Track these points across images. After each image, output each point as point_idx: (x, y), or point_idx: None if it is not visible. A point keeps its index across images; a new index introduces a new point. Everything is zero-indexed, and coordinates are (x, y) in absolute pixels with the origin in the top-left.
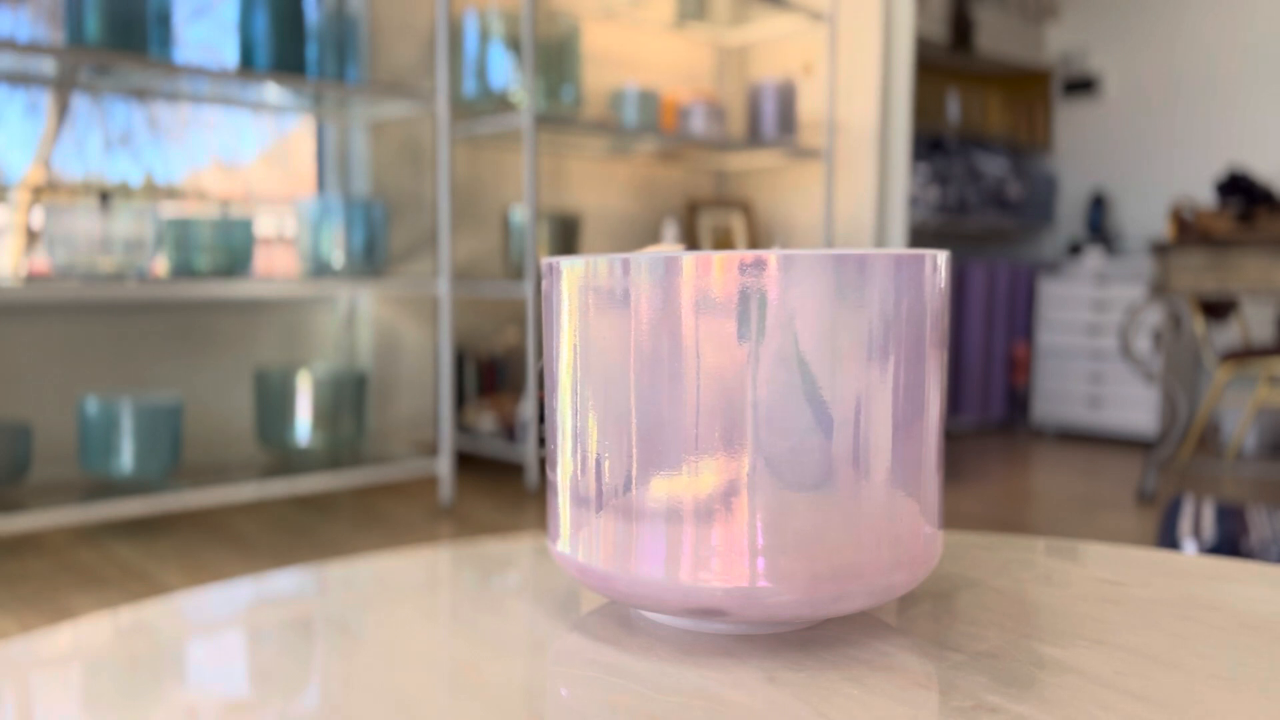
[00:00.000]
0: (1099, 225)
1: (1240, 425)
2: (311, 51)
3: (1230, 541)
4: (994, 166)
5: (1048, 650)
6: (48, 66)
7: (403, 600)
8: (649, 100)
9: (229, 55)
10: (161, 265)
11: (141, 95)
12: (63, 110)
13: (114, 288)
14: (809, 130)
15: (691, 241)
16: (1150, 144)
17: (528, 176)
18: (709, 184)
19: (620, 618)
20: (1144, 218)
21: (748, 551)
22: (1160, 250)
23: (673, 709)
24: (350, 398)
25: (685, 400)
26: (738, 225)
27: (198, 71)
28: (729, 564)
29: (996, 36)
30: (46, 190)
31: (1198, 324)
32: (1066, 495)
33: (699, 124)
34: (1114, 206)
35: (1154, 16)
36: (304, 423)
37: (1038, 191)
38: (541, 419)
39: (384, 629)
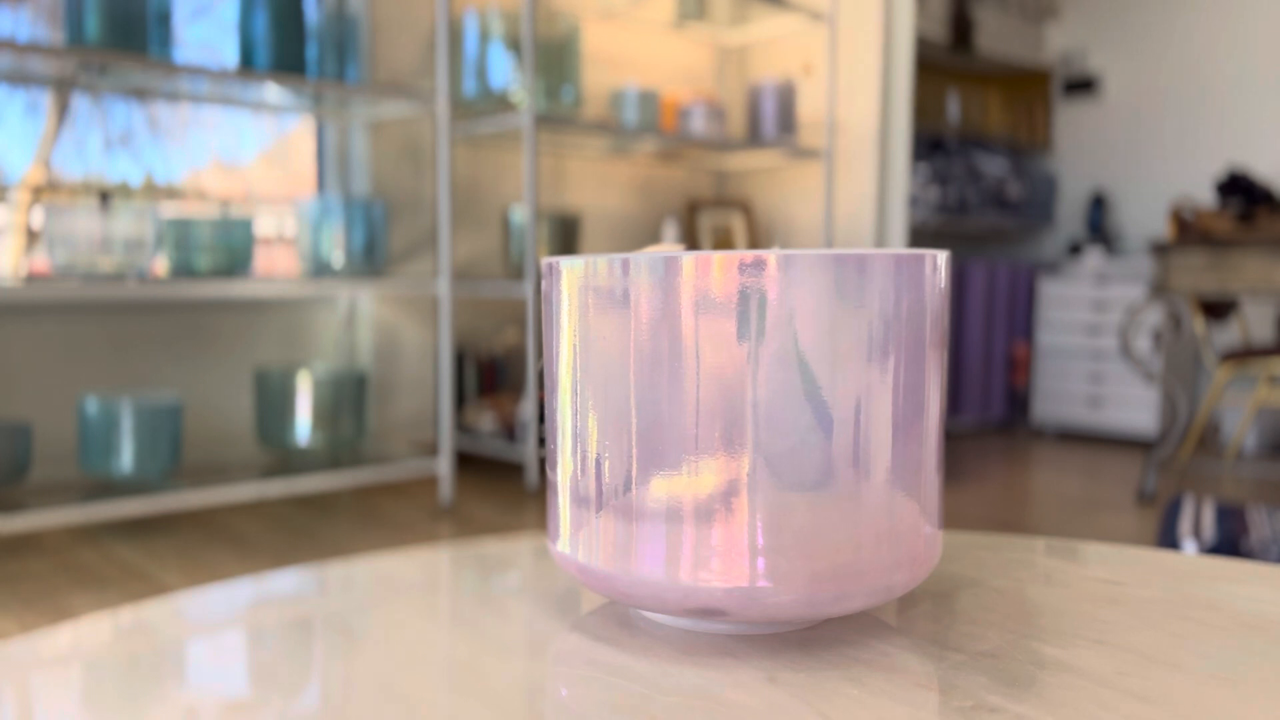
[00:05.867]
0: (1099, 225)
1: (1240, 425)
2: (311, 51)
3: (1230, 541)
4: (994, 166)
5: (1048, 650)
6: (48, 66)
7: (403, 600)
8: (649, 100)
9: (229, 55)
10: (161, 265)
11: (141, 95)
12: (63, 110)
13: (114, 288)
14: (809, 130)
15: (691, 241)
16: (1150, 144)
17: (528, 176)
18: (709, 184)
19: (620, 618)
20: (1144, 218)
21: (748, 551)
22: (1160, 250)
23: (673, 709)
24: (350, 398)
25: (685, 400)
26: (738, 225)
27: (198, 71)
28: (729, 564)
29: (996, 36)
30: (46, 190)
31: (1198, 324)
32: (1066, 495)
33: (699, 124)
34: (1114, 206)
35: (1154, 17)
36: (304, 423)
37: (1038, 191)
38: (541, 419)
39: (384, 629)
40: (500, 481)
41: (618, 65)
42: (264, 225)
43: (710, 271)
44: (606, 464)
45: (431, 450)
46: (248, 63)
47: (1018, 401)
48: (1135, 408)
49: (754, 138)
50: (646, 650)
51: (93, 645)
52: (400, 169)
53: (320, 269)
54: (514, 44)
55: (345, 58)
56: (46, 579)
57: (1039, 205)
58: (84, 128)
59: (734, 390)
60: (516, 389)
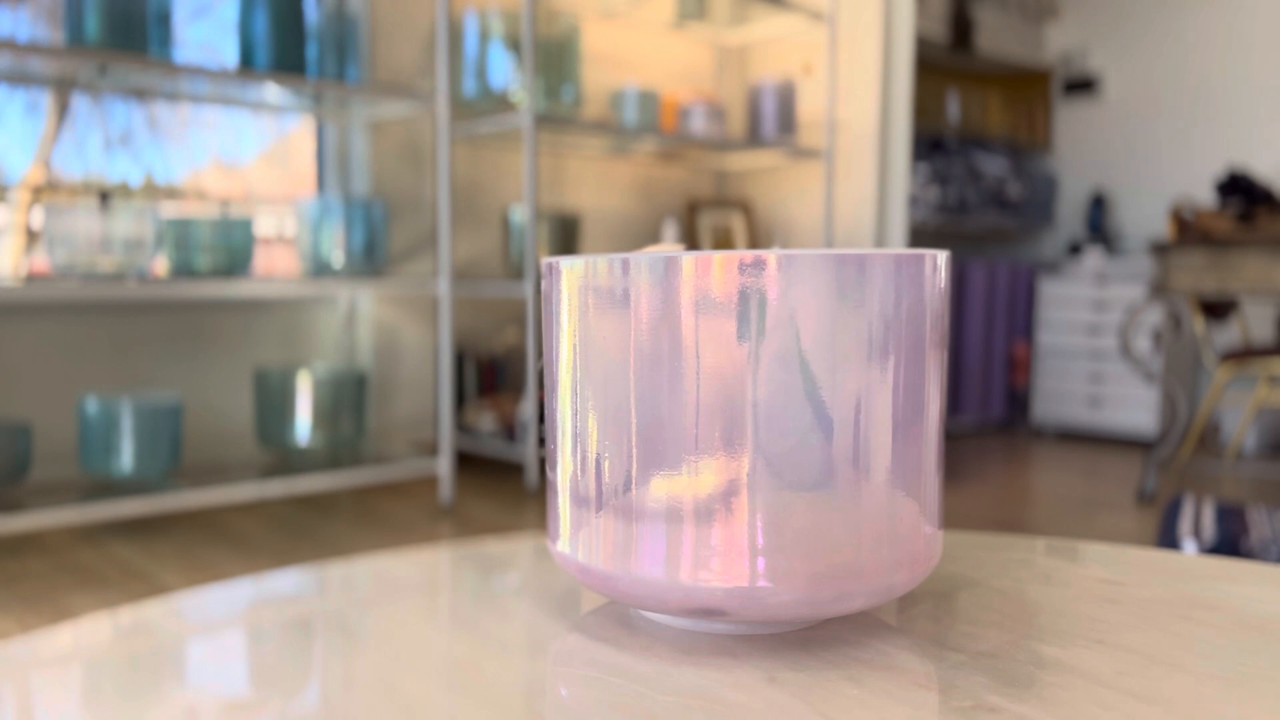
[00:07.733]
0: (1099, 225)
1: (1240, 425)
2: (311, 51)
3: (1230, 541)
4: (994, 166)
5: (1048, 650)
6: (48, 66)
7: (403, 600)
8: (649, 100)
9: (229, 55)
10: (161, 265)
11: (141, 95)
12: (63, 110)
13: (114, 288)
14: (809, 130)
15: (691, 241)
16: (1150, 144)
17: (528, 176)
18: (709, 184)
19: (620, 618)
20: (1144, 218)
21: (748, 551)
22: (1160, 250)
23: (673, 709)
24: (350, 398)
25: (685, 400)
26: (738, 225)
27: (198, 71)
28: (729, 564)
29: (996, 36)
30: (46, 190)
31: (1198, 324)
32: (1066, 495)
33: (699, 124)
34: (1114, 206)
35: (1154, 17)
36: (304, 423)
37: (1038, 191)
38: (541, 419)
39: (384, 629)
40: (500, 481)
41: (618, 65)
42: (264, 225)
43: (710, 271)
44: (606, 464)
45: (431, 450)
46: (248, 63)
47: (1018, 401)
48: (1135, 408)
49: (754, 138)
50: (646, 650)
51: (93, 645)
52: (400, 169)
53: (320, 269)
54: (514, 44)
55: (345, 58)
56: (46, 579)
57: (1039, 205)
58: (84, 128)
59: (734, 390)
60: (516, 389)
